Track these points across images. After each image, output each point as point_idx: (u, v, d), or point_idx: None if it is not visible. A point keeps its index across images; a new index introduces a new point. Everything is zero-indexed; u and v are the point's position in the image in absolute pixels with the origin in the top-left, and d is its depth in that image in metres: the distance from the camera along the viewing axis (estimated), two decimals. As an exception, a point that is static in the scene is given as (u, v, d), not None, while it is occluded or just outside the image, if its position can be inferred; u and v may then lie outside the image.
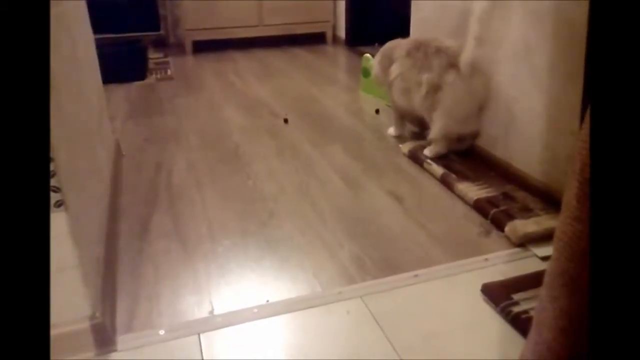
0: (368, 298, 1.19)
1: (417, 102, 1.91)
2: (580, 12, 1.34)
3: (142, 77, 3.18)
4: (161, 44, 4.08)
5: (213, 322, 1.13)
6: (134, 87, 3.02)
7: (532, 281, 1.18)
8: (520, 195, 1.59)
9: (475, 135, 1.89)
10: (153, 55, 3.75)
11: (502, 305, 1.13)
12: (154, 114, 2.54)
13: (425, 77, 1.83)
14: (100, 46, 1.94)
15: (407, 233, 1.46)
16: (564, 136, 1.48)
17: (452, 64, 1.78)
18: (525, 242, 1.38)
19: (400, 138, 2.14)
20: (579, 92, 1.39)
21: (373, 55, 2.29)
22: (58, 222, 0.93)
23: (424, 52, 1.86)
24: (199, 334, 1.09)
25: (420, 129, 2.12)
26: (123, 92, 2.92)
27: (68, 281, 0.97)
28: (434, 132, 1.87)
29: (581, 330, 0.67)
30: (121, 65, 3.07)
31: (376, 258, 1.35)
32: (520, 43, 1.59)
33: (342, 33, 4.05)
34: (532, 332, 0.78)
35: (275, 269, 1.32)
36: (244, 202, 1.66)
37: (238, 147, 2.10)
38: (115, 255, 1.37)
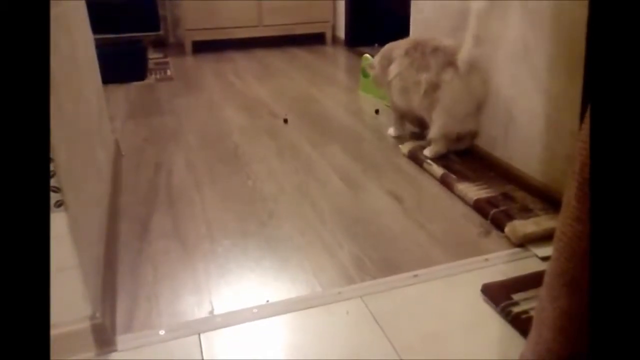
0: (368, 298, 1.19)
1: (416, 101, 1.91)
2: (579, 12, 1.34)
3: (141, 77, 3.18)
4: (161, 44, 4.08)
5: (213, 322, 1.13)
6: (134, 87, 3.02)
7: (532, 281, 1.18)
8: (520, 195, 1.59)
9: (474, 134, 1.89)
10: (153, 56, 3.75)
11: (502, 305, 1.13)
12: (154, 114, 2.54)
13: (424, 76, 1.84)
14: (100, 46, 1.94)
15: (406, 233, 1.46)
16: (564, 136, 1.48)
17: (450, 62, 1.79)
18: (525, 242, 1.38)
19: (400, 138, 2.13)
20: (578, 92, 1.39)
21: (373, 56, 2.29)
22: (58, 222, 0.93)
23: (421, 52, 1.87)
24: (199, 334, 1.09)
25: (420, 129, 2.12)
26: (123, 92, 2.92)
27: (68, 281, 0.97)
28: (433, 131, 1.87)
29: (581, 330, 0.67)
30: (121, 65, 3.07)
31: (376, 258, 1.35)
32: (520, 43, 1.59)
33: (341, 33, 4.05)
34: (532, 332, 0.78)
35: (275, 269, 1.32)
36: (243, 202, 1.66)
37: (238, 147, 2.10)
38: (115, 255, 1.37)
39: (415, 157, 1.92)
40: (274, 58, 3.73)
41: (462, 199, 1.63)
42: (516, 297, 1.14)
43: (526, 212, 1.49)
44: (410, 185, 1.76)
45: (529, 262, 1.32)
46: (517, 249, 1.37)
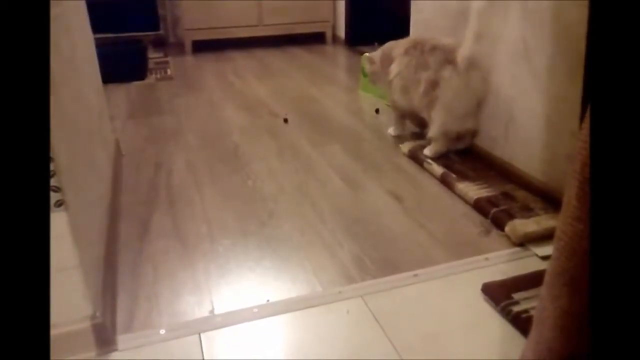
0: (368, 297, 1.19)
1: (416, 100, 1.91)
2: (579, 11, 1.34)
3: (142, 77, 3.18)
4: (161, 44, 4.08)
5: (213, 322, 1.13)
6: (134, 87, 3.02)
7: (532, 280, 1.18)
8: (520, 194, 1.59)
9: (474, 133, 1.90)
10: (153, 55, 3.75)
11: (502, 304, 1.13)
12: (154, 114, 2.54)
13: (424, 75, 1.84)
14: (100, 46, 1.94)
15: (407, 233, 1.46)
16: (564, 136, 1.48)
17: (449, 60, 1.79)
18: (525, 242, 1.38)
19: (400, 138, 2.13)
20: (578, 92, 1.39)
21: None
22: (58, 222, 0.93)
23: (420, 50, 1.87)
24: (199, 334, 1.09)
25: (420, 128, 2.12)
26: (123, 92, 2.92)
27: (68, 281, 0.97)
28: (433, 130, 1.87)
29: (582, 329, 0.67)
30: (121, 65, 3.07)
31: (376, 257, 1.35)
32: (520, 43, 1.59)
33: (341, 33, 4.05)
34: (533, 332, 0.78)
35: (275, 268, 1.32)
36: (243, 202, 1.66)
37: (238, 147, 2.10)
38: (116, 255, 1.37)
39: (415, 157, 1.92)
40: (274, 57, 3.73)
41: (462, 198, 1.63)
42: (516, 296, 1.14)
43: (526, 211, 1.49)
44: (411, 185, 1.76)
45: (530, 262, 1.32)
46: (518, 248, 1.37)
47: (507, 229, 1.42)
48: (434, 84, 1.82)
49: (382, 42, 2.17)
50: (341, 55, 3.84)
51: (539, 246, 1.36)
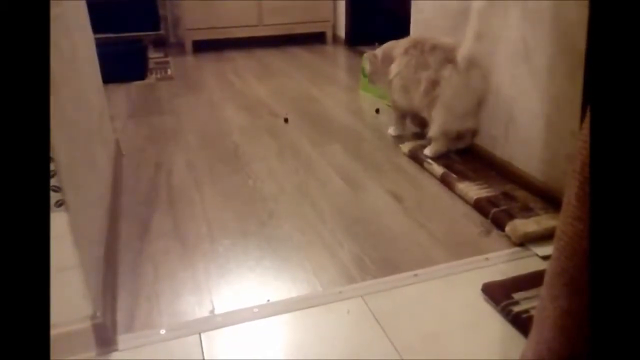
0: (368, 297, 1.19)
1: (416, 100, 1.91)
2: (579, 11, 1.34)
3: (142, 76, 3.18)
4: (161, 44, 4.07)
5: (214, 322, 1.13)
6: (134, 87, 3.02)
7: (532, 280, 1.18)
8: (521, 194, 1.59)
9: (474, 133, 1.90)
10: (153, 55, 3.75)
11: (502, 304, 1.13)
12: (154, 114, 2.54)
13: (424, 74, 1.84)
14: (100, 46, 1.94)
15: (407, 232, 1.46)
16: (564, 135, 1.48)
17: (449, 59, 1.79)
18: (525, 242, 1.38)
19: (400, 138, 2.13)
20: (579, 92, 1.39)
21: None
22: (58, 222, 0.93)
23: (420, 50, 1.87)
24: (199, 334, 1.09)
25: (420, 128, 2.12)
26: (123, 91, 2.92)
27: (68, 281, 0.97)
28: (433, 129, 1.87)
29: (582, 329, 0.67)
30: (121, 65, 3.07)
31: (376, 257, 1.35)
32: (520, 43, 1.59)
33: (342, 33, 4.05)
34: (533, 332, 0.78)
35: (275, 268, 1.32)
36: (243, 202, 1.66)
37: (238, 147, 2.10)
38: (116, 255, 1.37)
39: (415, 157, 1.92)
40: (274, 57, 3.73)
41: (462, 198, 1.63)
42: (517, 296, 1.14)
43: (527, 211, 1.49)
44: (411, 185, 1.76)
45: (530, 261, 1.32)
46: (518, 248, 1.37)
47: (507, 228, 1.42)
48: (434, 84, 1.82)
49: (382, 42, 2.17)
50: (341, 55, 3.84)
51: (539, 246, 1.36)
